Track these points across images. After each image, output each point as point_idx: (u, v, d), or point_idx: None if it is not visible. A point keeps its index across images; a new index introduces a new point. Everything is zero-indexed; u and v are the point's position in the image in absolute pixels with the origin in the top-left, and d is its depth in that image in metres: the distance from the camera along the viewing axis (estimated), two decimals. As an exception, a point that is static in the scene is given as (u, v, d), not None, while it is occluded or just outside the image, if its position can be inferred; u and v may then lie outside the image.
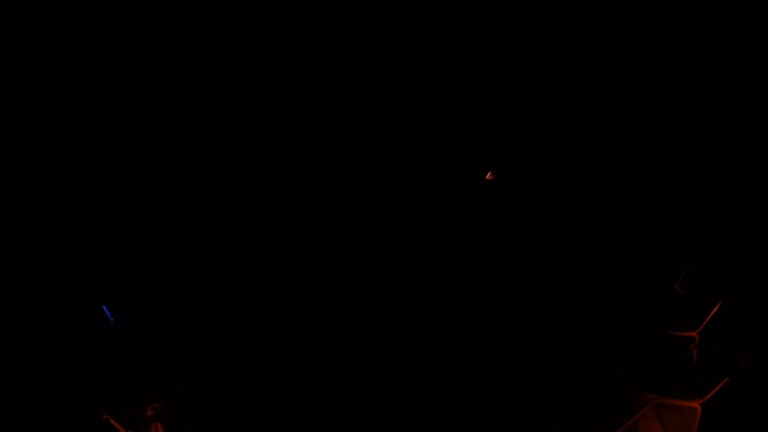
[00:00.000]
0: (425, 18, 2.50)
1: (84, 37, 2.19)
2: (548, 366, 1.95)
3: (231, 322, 3.25)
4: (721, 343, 1.92)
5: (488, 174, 2.97)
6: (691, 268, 2.19)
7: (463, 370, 2.26)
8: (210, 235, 3.63)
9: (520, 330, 2.28)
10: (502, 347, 2.25)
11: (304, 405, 2.42)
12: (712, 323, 1.94)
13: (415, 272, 3.30)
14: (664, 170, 2.22)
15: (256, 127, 3.79)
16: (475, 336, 2.43)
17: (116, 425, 2.21)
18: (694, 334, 1.94)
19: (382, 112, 2.92)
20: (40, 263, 2.24)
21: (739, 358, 1.58)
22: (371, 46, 2.48)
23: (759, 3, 1.66)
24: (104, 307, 2.47)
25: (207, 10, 2.31)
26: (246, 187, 4.04)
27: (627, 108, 2.37)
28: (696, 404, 1.71)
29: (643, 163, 2.34)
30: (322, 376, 2.63)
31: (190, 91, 2.89)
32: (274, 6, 2.30)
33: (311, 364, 2.73)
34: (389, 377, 2.45)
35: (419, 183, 2.95)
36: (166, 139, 3.01)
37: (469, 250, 2.99)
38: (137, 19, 2.27)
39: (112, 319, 2.54)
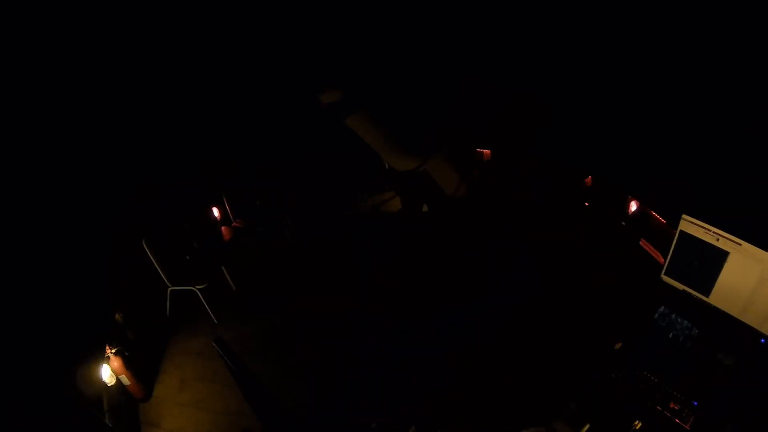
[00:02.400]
0: (425, 18, 2.50)
1: (84, 37, 2.19)
2: (548, 365, 1.96)
3: (231, 321, 3.26)
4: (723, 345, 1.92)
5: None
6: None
7: (463, 370, 2.27)
8: (210, 234, 3.65)
9: (520, 330, 2.29)
10: (501, 347, 2.27)
11: (304, 405, 2.43)
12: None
13: (415, 272, 3.31)
14: (664, 170, 2.22)
15: (256, 127, 3.80)
16: (474, 335, 2.44)
17: None
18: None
19: (381, 112, 2.91)
20: (40, 263, 2.25)
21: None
22: (372, 46, 2.48)
23: (759, 3, 1.66)
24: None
25: (207, 11, 2.32)
26: (246, 187, 4.06)
27: (626, 108, 2.38)
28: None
29: (642, 162, 2.34)
30: (322, 376, 2.64)
31: (190, 91, 2.90)
32: (275, 6, 2.31)
33: (312, 364, 2.73)
34: (390, 377, 2.46)
35: (419, 183, 2.95)
36: (166, 139, 3.02)
37: (469, 249, 3.00)
38: (138, 19, 2.27)
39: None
